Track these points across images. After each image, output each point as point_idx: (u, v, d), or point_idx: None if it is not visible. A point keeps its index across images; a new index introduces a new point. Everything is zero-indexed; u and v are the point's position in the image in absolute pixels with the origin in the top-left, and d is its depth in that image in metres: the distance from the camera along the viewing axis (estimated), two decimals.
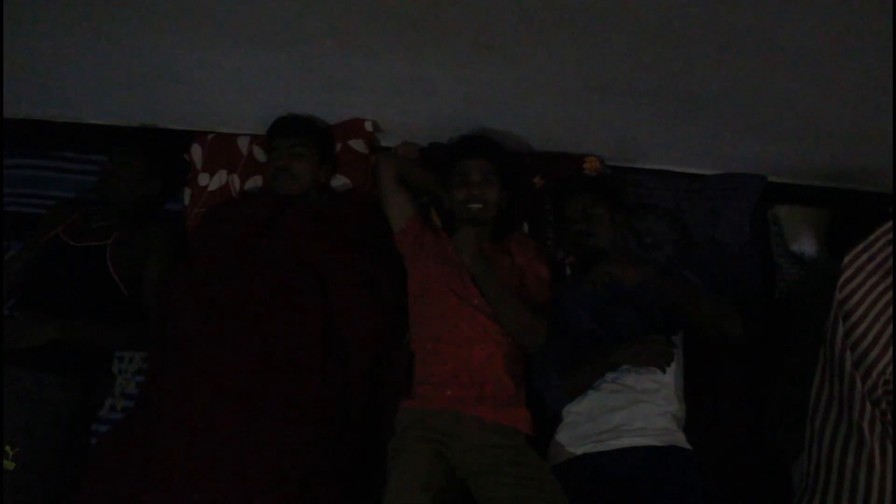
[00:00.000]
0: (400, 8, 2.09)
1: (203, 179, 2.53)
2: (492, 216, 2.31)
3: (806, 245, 2.47)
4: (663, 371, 1.98)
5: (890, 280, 1.97)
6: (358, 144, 2.52)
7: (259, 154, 2.56)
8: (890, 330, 1.91)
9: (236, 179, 2.53)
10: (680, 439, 1.97)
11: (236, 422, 1.89)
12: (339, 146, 2.52)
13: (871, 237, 1.99)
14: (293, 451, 1.89)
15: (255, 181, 2.53)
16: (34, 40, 2.38)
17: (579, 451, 1.98)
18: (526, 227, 2.47)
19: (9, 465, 1.95)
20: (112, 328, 2.21)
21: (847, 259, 1.96)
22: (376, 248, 2.31)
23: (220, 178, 2.53)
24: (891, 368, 1.89)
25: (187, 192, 2.55)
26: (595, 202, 2.25)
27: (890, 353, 1.90)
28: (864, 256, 1.99)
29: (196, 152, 2.58)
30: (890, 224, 2.00)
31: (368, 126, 2.53)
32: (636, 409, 1.98)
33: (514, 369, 2.12)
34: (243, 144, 2.58)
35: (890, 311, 1.94)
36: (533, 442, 2.03)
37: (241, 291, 2.11)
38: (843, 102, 2.20)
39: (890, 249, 1.98)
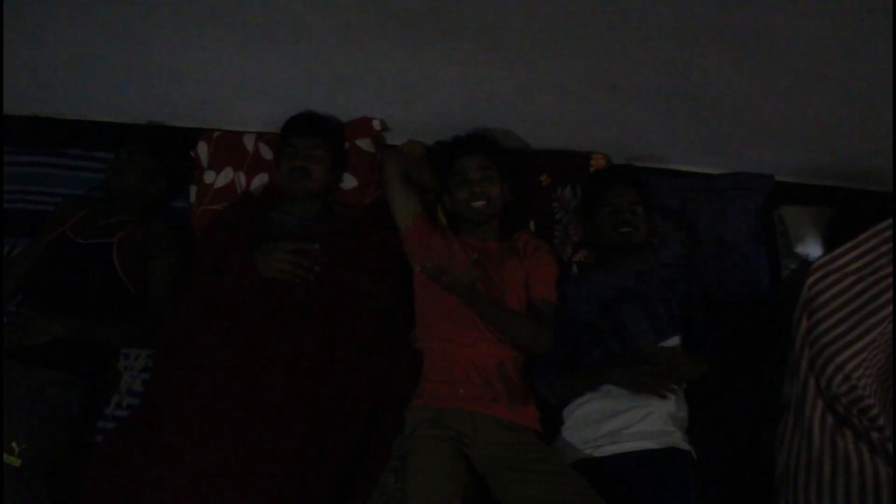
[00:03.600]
0: (405, 5, 2.10)
1: (209, 177, 2.53)
2: (497, 212, 2.31)
3: (810, 247, 2.46)
4: (663, 398, 1.97)
5: (873, 280, 1.98)
6: (365, 143, 2.52)
7: (265, 152, 2.56)
8: (859, 329, 1.93)
9: (242, 177, 2.53)
10: (678, 440, 1.96)
11: (238, 422, 1.89)
12: (346, 145, 2.51)
13: (861, 237, 2.01)
14: (289, 452, 1.89)
15: (261, 179, 2.53)
16: (40, 37, 2.39)
17: (579, 455, 1.98)
18: (532, 225, 2.46)
19: (14, 461, 1.95)
20: (117, 326, 2.21)
21: (821, 261, 1.99)
22: (378, 256, 2.31)
23: (227, 175, 2.52)
24: (853, 364, 1.90)
25: (193, 190, 2.55)
26: (639, 199, 2.26)
27: (853, 349, 1.91)
28: (849, 256, 2.00)
29: (202, 150, 2.58)
30: (882, 226, 2.01)
31: (376, 125, 2.53)
32: (634, 412, 1.98)
33: (522, 367, 2.13)
34: (249, 142, 2.57)
35: (864, 310, 1.95)
36: (540, 438, 2.04)
37: (250, 294, 2.11)
38: (851, 102, 2.20)
39: (883, 250, 1.99)
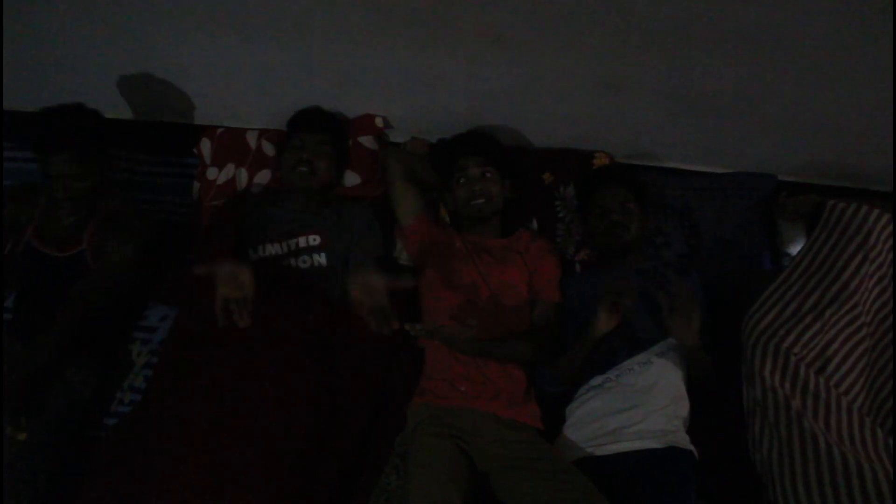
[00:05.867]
0: (409, 3, 2.10)
1: (212, 173, 2.53)
2: (497, 210, 2.31)
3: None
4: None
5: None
6: (368, 141, 2.52)
7: (268, 148, 2.56)
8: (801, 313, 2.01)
9: (244, 173, 2.53)
10: (680, 439, 1.96)
11: (240, 420, 1.89)
12: (349, 142, 2.51)
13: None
14: (291, 451, 1.89)
15: (264, 175, 2.53)
16: (43, 33, 2.40)
17: (581, 454, 1.98)
18: (535, 223, 2.46)
19: (20, 435, 1.97)
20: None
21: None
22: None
23: (228, 171, 2.53)
24: (802, 342, 1.97)
25: (196, 186, 2.56)
26: (630, 196, 2.25)
27: (799, 329, 1.99)
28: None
29: (205, 146, 2.59)
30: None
31: (379, 122, 2.53)
32: (636, 410, 1.98)
33: (523, 365, 2.13)
34: (252, 138, 2.58)
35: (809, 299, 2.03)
36: (541, 436, 2.04)
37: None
38: (853, 101, 2.20)
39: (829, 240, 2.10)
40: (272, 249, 2.26)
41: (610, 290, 2.00)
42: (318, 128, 2.37)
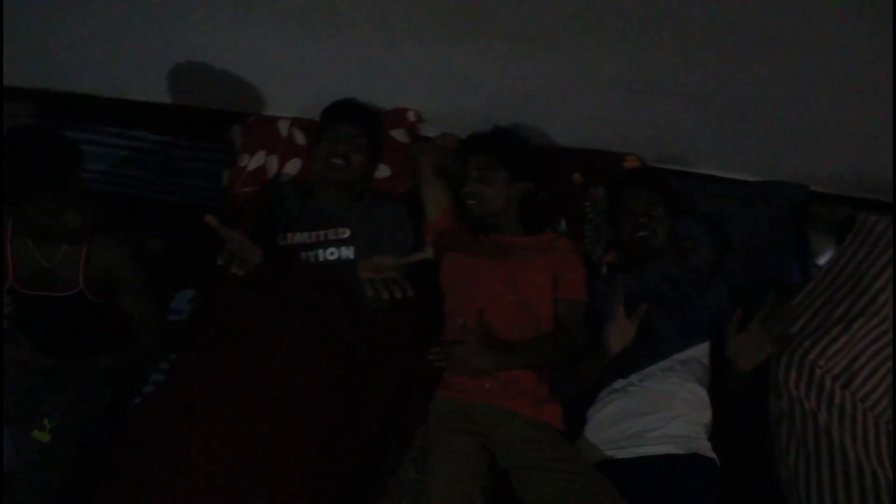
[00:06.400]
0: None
1: (243, 160, 2.54)
2: (492, 211, 2.29)
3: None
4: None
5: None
6: (400, 134, 2.52)
7: (299, 137, 2.57)
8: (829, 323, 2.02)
9: (275, 161, 2.54)
10: (703, 447, 1.94)
11: (262, 407, 1.91)
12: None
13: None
14: (311, 440, 1.91)
15: (294, 164, 2.54)
16: (82, 16, 2.42)
17: (601, 456, 1.97)
18: (563, 223, 2.44)
19: (44, 437, 1.98)
20: (116, 359, 2.13)
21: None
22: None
23: (259, 158, 2.54)
24: (827, 354, 1.98)
25: (226, 172, 2.57)
26: (658, 200, 2.24)
27: (825, 340, 1.99)
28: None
29: (236, 133, 2.61)
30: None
31: (411, 116, 2.54)
32: (658, 415, 1.97)
33: (547, 366, 2.13)
34: (284, 127, 2.59)
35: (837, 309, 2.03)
36: (562, 436, 2.03)
37: (276, 284, 2.13)
38: (888, 113, 2.16)
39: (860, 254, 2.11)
40: (300, 238, 2.28)
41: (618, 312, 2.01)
42: (353, 120, 2.38)
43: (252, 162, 2.53)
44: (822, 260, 2.39)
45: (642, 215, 2.21)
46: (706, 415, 2.02)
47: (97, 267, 2.01)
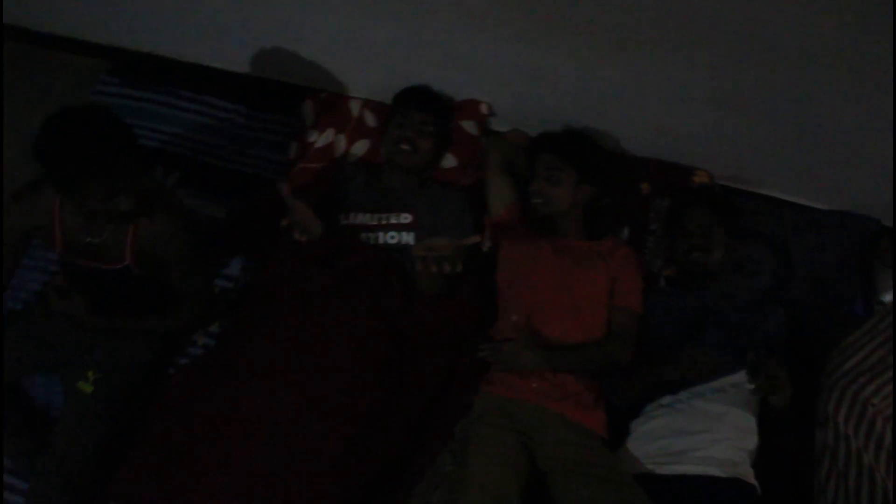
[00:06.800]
0: None
1: (311, 136, 2.56)
2: (558, 212, 2.28)
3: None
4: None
5: None
6: (469, 125, 2.52)
7: (369, 119, 2.58)
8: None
9: (343, 140, 2.55)
10: (745, 472, 1.92)
11: (305, 384, 1.92)
12: (451, 124, 2.51)
13: None
14: (352, 422, 1.91)
15: (362, 145, 2.55)
16: None
17: (640, 469, 1.95)
18: (626, 232, 2.42)
19: (87, 388, 2.03)
20: (159, 319, 2.15)
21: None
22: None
23: (328, 136, 2.55)
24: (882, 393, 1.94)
25: (293, 146, 2.58)
26: (719, 222, 2.21)
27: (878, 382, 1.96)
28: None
29: (308, 108, 2.62)
30: None
31: (484, 109, 2.52)
32: (704, 436, 1.94)
33: (596, 372, 2.11)
34: (355, 107, 2.60)
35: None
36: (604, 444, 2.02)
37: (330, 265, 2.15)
38: None
39: None
40: (362, 219, 2.29)
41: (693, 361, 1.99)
42: (424, 107, 2.38)
43: (321, 139, 2.55)
44: (888, 297, 2.34)
45: (699, 236, 2.19)
46: (751, 441, 1.98)
47: (144, 243, 2.00)
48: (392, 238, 2.26)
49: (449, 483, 1.98)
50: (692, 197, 2.32)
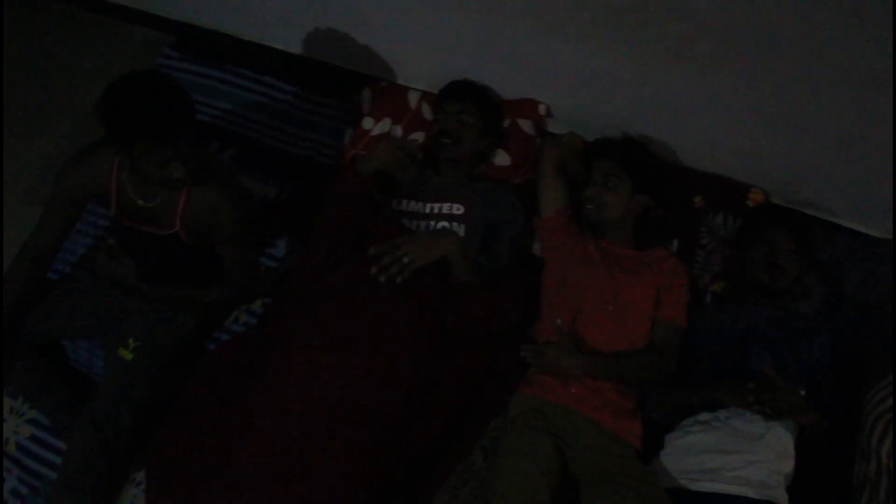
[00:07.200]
0: (607, 0, 2.07)
1: (367, 123, 2.57)
2: (610, 219, 2.26)
3: None
4: (765, 417, 1.91)
5: None
6: (526, 125, 2.51)
7: (426, 111, 2.58)
8: None
9: (399, 131, 2.56)
10: (779, 496, 1.88)
11: (340, 370, 1.92)
12: (507, 122, 2.51)
13: None
14: (389, 411, 1.92)
15: (418, 137, 2.55)
16: None
17: (672, 483, 1.93)
18: (675, 244, 2.40)
19: (127, 355, 2.07)
20: (204, 293, 2.16)
21: None
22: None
23: (384, 125, 2.56)
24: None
25: (348, 132, 2.60)
26: (798, 246, 2.20)
27: None
28: None
29: (366, 96, 2.64)
30: None
31: (542, 109, 2.51)
32: (739, 455, 1.91)
33: (635, 383, 2.11)
34: (413, 98, 2.61)
35: None
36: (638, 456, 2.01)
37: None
38: None
39: None
40: (414, 206, 2.30)
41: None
42: (460, 97, 2.39)
43: (377, 127, 2.55)
44: None
45: (782, 256, 2.17)
46: (788, 464, 1.96)
47: (194, 212, 2.02)
48: (442, 228, 2.26)
49: (479, 480, 1.99)
50: (779, 218, 2.28)
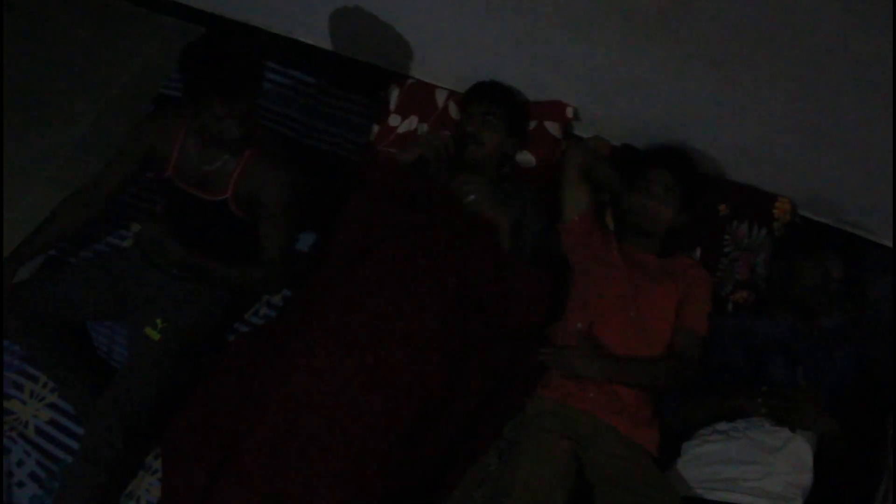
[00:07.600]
0: (637, 3, 2.06)
1: (394, 120, 2.58)
2: (655, 231, 2.25)
3: None
4: (792, 430, 1.90)
5: None
6: (553, 127, 2.50)
7: (453, 110, 2.58)
8: None
9: (425, 128, 2.56)
10: None
11: (361, 364, 1.92)
12: (534, 124, 2.50)
13: None
14: (406, 413, 1.91)
15: None
16: None
17: (688, 492, 1.92)
18: (698, 252, 2.38)
19: (155, 335, 2.08)
20: (240, 270, 2.19)
21: None
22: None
23: (410, 123, 2.57)
24: None
25: (374, 128, 2.60)
26: (843, 270, 2.20)
27: None
28: None
29: (393, 93, 2.63)
30: None
31: (569, 112, 2.50)
32: (757, 467, 1.90)
33: (653, 390, 2.10)
34: (441, 97, 2.61)
35: None
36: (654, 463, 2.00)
37: (408, 244, 2.15)
38: None
39: None
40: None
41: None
42: (483, 98, 2.39)
43: (403, 125, 2.56)
44: None
45: (834, 282, 2.17)
46: (806, 478, 1.94)
47: (247, 182, 2.09)
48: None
49: (493, 482, 1.98)
50: (835, 246, 2.27)
